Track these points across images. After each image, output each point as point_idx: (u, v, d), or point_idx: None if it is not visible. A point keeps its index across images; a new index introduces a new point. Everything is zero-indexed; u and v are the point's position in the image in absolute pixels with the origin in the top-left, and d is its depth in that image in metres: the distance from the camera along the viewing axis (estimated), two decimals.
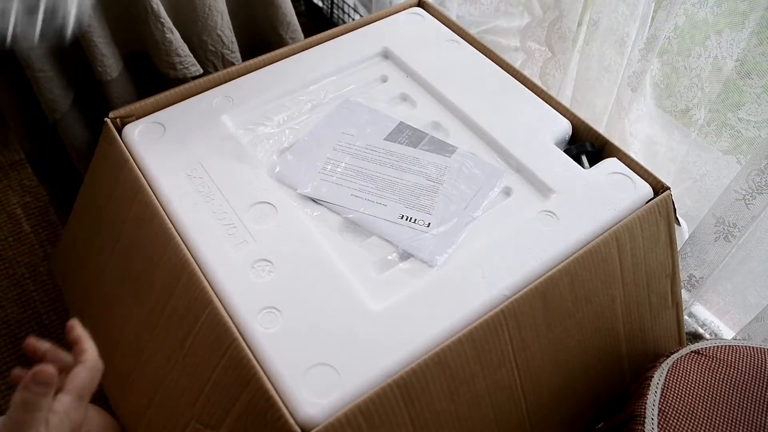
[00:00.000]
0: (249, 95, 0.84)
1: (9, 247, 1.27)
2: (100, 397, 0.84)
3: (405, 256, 0.69)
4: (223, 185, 0.74)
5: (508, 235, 0.69)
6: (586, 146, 0.81)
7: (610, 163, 0.77)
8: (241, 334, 0.60)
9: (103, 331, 0.78)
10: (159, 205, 0.71)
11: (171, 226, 0.69)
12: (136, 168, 0.75)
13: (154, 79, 1.02)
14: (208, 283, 0.64)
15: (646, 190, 0.75)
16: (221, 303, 0.63)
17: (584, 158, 0.80)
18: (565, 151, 0.79)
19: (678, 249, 0.81)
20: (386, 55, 0.91)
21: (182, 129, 0.80)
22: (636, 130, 1.01)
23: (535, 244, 0.68)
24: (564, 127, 0.82)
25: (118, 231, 0.76)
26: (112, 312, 0.78)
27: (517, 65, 0.90)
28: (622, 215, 0.72)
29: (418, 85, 0.87)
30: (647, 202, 0.74)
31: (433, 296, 0.64)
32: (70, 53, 0.96)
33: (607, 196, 0.73)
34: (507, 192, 0.75)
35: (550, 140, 0.80)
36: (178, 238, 0.67)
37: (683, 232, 0.98)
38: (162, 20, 0.92)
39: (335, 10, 1.65)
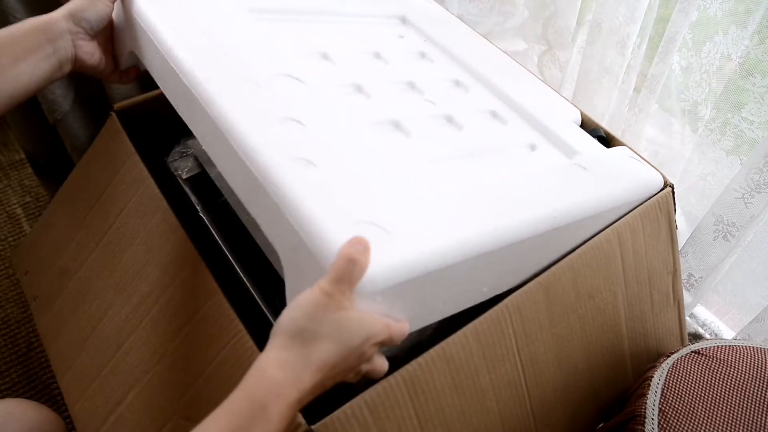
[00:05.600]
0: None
1: (9, 247, 1.27)
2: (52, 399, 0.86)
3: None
4: (244, 51, 0.66)
5: (544, 175, 0.65)
6: (599, 131, 0.80)
7: (623, 150, 0.76)
8: (270, 185, 0.52)
9: (72, 326, 0.77)
10: (163, 196, 0.70)
11: (175, 217, 0.68)
12: (140, 161, 0.74)
13: None
14: (233, 137, 0.55)
15: (659, 178, 0.73)
16: (246, 155, 0.54)
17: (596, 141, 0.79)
18: None
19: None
20: (404, 20, 0.89)
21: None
22: (643, 129, 1.02)
23: (571, 187, 0.65)
24: (575, 115, 0.80)
25: (110, 223, 0.76)
26: (86, 306, 0.76)
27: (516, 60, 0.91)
28: (642, 192, 0.71)
29: (437, 47, 0.84)
30: (654, 195, 0.74)
31: (480, 200, 0.58)
32: None
33: (627, 170, 0.72)
34: (532, 147, 0.72)
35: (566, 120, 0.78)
36: (183, 231, 0.67)
37: (682, 233, 0.99)
38: None
39: None
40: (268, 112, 0.58)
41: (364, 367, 0.50)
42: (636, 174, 0.72)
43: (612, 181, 0.68)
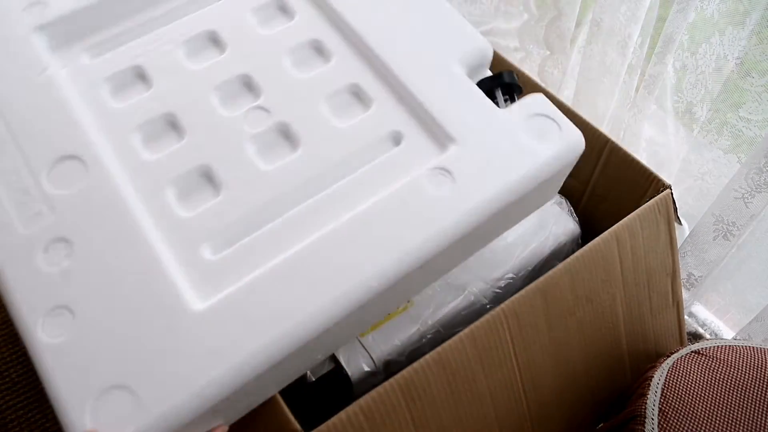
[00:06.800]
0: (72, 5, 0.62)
1: None
2: None
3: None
4: (20, 132, 0.55)
5: (388, 201, 0.53)
6: (503, 77, 0.62)
7: (533, 102, 0.59)
8: (26, 344, 0.47)
9: None
10: None
11: None
12: None
13: None
14: None
15: (575, 137, 0.57)
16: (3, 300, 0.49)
17: (499, 93, 0.62)
18: (479, 84, 0.61)
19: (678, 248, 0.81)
20: None
21: None
22: (641, 129, 1.01)
23: (419, 215, 0.52)
24: (480, 50, 0.62)
25: None
26: None
27: (516, 63, 0.91)
28: (538, 174, 0.56)
29: None
30: (650, 199, 0.73)
31: (276, 290, 0.49)
32: None
33: (523, 147, 0.56)
34: (396, 139, 0.58)
35: (460, 68, 0.61)
36: None
37: (684, 231, 0.98)
38: None
39: None
40: (32, 240, 0.50)
41: None
42: (540, 140, 0.57)
43: (493, 173, 0.55)
